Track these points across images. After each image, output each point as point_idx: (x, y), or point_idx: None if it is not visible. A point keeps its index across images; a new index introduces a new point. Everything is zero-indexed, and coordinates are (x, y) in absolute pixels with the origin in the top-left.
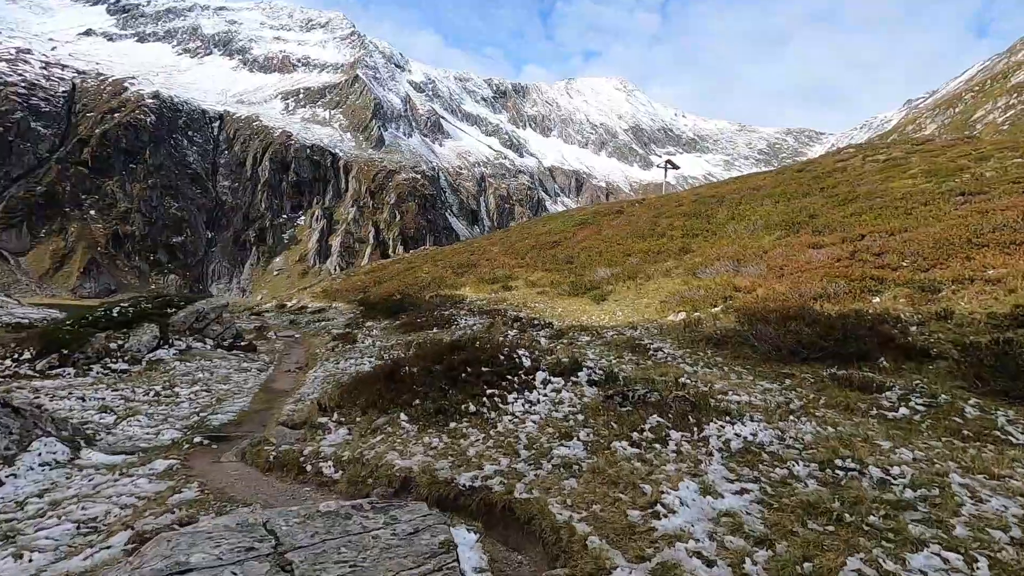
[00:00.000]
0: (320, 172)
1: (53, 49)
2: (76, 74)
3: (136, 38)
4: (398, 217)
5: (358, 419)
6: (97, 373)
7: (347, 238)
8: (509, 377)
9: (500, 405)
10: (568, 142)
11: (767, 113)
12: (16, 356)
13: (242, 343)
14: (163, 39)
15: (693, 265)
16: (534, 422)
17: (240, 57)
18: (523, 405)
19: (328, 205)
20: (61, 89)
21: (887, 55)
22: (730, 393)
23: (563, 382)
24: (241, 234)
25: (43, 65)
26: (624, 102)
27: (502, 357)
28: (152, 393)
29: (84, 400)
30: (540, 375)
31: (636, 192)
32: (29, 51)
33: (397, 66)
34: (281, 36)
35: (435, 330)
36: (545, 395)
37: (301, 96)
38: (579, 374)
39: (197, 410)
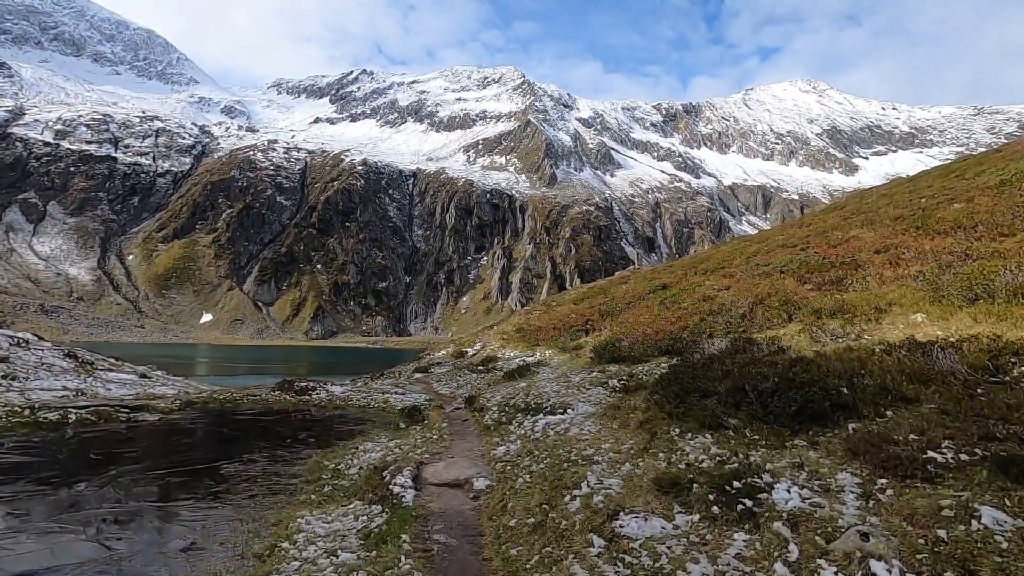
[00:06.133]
0: (499, 214)
1: (292, 137)
2: (307, 154)
3: (350, 119)
4: (573, 251)
5: None
6: None
7: (526, 274)
8: None
9: None
10: (750, 156)
11: (1012, 87)
12: None
13: None
14: (370, 116)
15: None
16: None
17: (429, 121)
18: None
19: (507, 244)
20: (297, 168)
21: None
22: None
23: None
24: (433, 277)
25: (285, 150)
26: (815, 104)
27: None
28: None
29: None
30: None
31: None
32: (276, 141)
33: (565, 106)
34: (462, 96)
35: None
36: None
37: (480, 146)
38: None
39: None
